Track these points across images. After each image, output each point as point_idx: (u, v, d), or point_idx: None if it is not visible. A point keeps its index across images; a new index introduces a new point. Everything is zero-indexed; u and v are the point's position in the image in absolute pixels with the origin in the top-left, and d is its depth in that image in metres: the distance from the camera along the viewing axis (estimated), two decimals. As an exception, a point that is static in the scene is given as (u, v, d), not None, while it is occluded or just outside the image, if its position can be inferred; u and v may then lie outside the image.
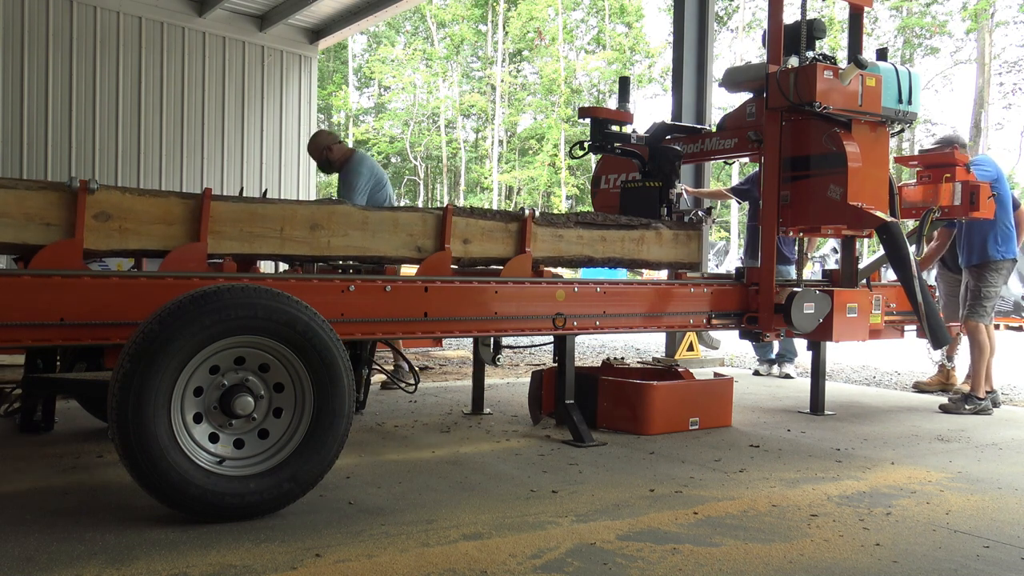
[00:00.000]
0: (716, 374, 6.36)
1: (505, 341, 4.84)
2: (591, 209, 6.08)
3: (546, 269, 4.37)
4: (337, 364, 3.03)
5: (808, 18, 4.82)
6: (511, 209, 4.70)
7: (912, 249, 4.83)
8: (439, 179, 38.83)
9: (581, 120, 6.61)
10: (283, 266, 6.79)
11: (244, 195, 4.05)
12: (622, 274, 8.54)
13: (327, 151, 6.15)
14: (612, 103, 30.71)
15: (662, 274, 5.70)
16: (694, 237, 4.95)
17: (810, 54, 4.79)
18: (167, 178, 10.80)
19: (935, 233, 6.23)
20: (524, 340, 7.84)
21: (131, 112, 10.57)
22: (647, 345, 11.36)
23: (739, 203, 9.48)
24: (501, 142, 37.03)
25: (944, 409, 5.76)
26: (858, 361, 9.22)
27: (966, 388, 5.85)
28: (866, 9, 5.10)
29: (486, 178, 36.08)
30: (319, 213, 3.75)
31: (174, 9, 10.78)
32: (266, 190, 9.28)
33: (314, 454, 3.00)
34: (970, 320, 5.77)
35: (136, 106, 10.60)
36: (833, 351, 8.21)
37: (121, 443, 2.72)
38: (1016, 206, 5.93)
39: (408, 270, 4.26)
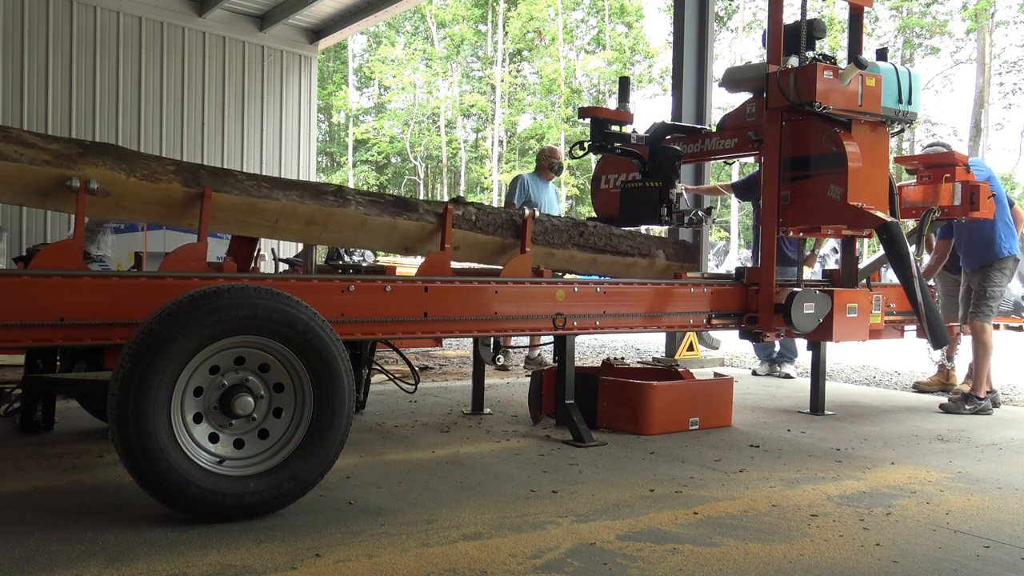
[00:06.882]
0: (716, 374, 6.36)
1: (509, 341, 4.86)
2: (591, 209, 6.08)
3: (546, 269, 4.37)
4: (337, 364, 3.02)
5: (808, 18, 4.82)
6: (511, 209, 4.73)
7: (912, 249, 4.83)
8: (439, 179, 38.80)
9: (581, 120, 6.61)
10: (283, 266, 6.80)
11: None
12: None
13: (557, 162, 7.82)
14: (612, 103, 30.68)
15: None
16: (689, 269, 5.00)
17: (810, 54, 4.79)
18: (167, 178, 10.77)
19: (934, 245, 6.24)
20: (524, 340, 7.85)
21: (131, 112, 10.57)
22: (647, 345, 11.36)
23: (739, 201, 9.47)
24: (501, 142, 37.00)
25: (944, 409, 5.76)
26: (858, 361, 9.21)
27: (966, 388, 5.84)
28: (866, 9, 5.11)
29: (486, 178, 36.05)
30: (319, 215, 3.76)
31: (174, 9, 10.79)
32: None
33: (314, 454, 3.00)
34: (975, 320, 5.77)
35: (136, 106, 10.60)
36: (833, 351, 8.21)
37: (121, 443, 2.72)
38: (1010, 204, 5.94)
39: (407, 270, 4.27)
